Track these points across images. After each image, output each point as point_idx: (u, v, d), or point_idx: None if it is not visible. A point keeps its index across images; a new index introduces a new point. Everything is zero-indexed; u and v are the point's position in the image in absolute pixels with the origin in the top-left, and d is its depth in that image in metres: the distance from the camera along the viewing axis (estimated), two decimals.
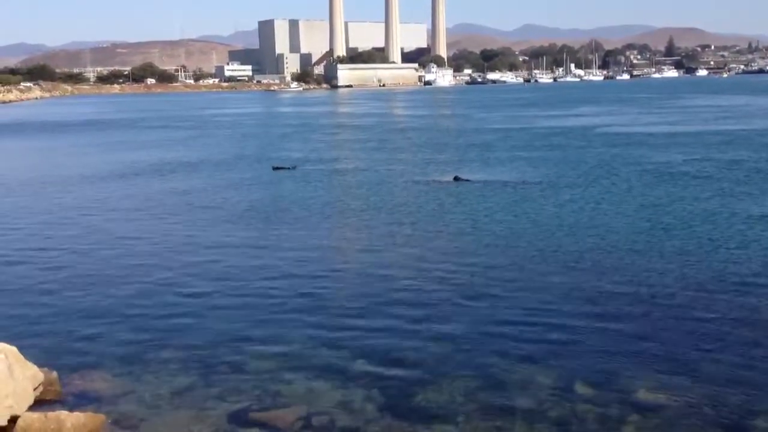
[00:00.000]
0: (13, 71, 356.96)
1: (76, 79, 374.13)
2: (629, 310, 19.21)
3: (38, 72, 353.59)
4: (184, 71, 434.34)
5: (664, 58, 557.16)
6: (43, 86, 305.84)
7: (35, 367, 14.27)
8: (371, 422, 13.66)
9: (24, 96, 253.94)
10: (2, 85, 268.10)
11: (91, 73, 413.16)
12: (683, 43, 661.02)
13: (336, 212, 34.70)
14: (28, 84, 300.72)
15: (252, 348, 17.25)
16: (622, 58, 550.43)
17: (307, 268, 24.26)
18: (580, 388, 14.73)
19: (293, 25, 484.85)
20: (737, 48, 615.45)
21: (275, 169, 51.59)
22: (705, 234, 27.59)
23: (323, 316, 19.42)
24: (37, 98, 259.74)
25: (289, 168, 51.80)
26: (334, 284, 22.57)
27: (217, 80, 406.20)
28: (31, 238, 30.25)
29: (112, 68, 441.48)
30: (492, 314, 19.21)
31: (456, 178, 43.35)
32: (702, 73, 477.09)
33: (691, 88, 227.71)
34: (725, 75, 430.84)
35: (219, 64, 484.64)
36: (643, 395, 14.35)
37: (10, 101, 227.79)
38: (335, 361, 16.41)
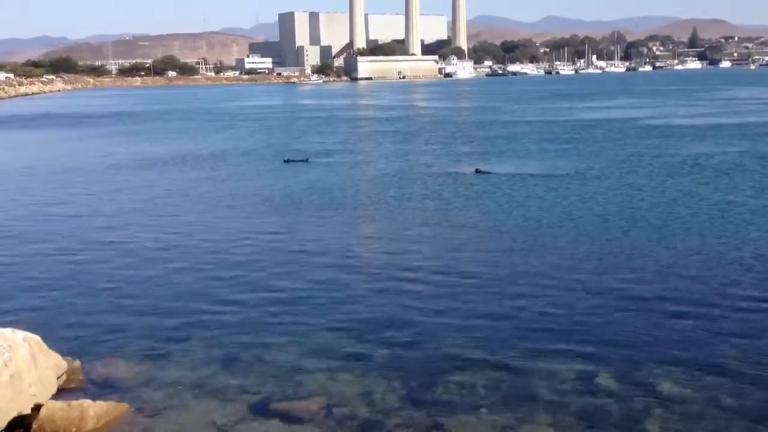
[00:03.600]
0: (36, 64, 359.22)
1: (98, 71, 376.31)
2: (655, 302, 19.02)
3: (61, 65, 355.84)
4: (205, 64, 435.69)
5: (687, 50, 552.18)
6: (66, 79, 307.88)
7: (58, 356, 14.34)
8: (392, 413, 13.62)
9: (47, 88, 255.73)
10: (25, 78, 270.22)
11: (113, 65, 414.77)
12: (707, 35, 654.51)
13: (354, 204, 34.63)
14: (51, 77, 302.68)
15: (273, 338, 17.26)
16: (645, 50, 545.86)
17: (328, 259, 24.25)
18: (604, 380, 14.61)
19: (314, 17, 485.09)
20: (762, 39, 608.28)
21: (287, 161, 51.15)
22: (738, 227, 27.22)
23: (344, 306, 19.41)
24: (59, 91, 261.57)
25: (301, 161, 51.26)
26: (355, 275, 22.53)
27: (237, 73, 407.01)
28: (53, 227, 30.46)
29: (133, 61, 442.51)
30: (514, 305, 19.10)
31: (477, 171, 43.13)
32: (725, 64, 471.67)
33: (722, 80, 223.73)
34: (753, 66, 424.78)
35: (240, 57, 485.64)
36: (667, 388, 14.21)
37: (33, 94, 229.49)
38: (357, 351, 16.39)
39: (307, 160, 51.37)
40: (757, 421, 12.93)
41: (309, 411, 13.67)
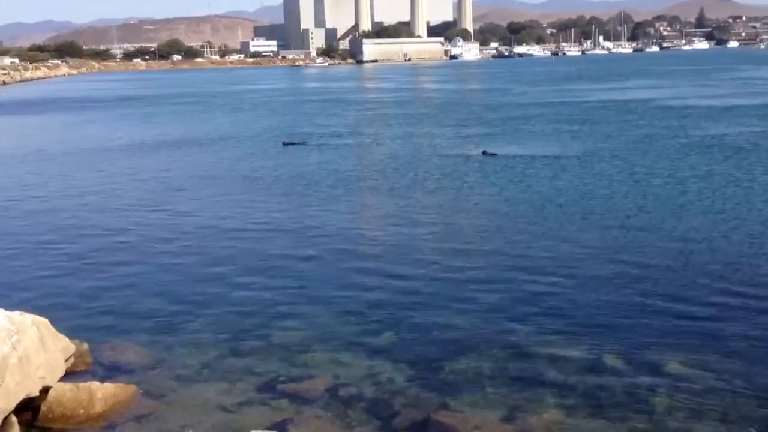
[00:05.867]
0: (41, 48, 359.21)
1: (103, 55, 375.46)
2: (661, 283, 18.99)
3: (66, 49, 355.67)
4: (210, 47, 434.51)
5: (694, 30, 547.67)
6: (71, 63, 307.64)
7: (66, 339, 14.40)
8: (399, 393, 13.67)
9: (52, 73, 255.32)
10: (31, 62, 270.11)
11: (117, 49, 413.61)
12: (714, 14, 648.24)
13: (358, 185, 34.62)
14: (56, 61, 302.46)
15: (280, 320, 17.31)
16: (652, 30, 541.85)
17: (333, 240, 24.26)
18: (610, 361, 14.61)
19: (318, 0, 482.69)
20: None
21: (285, 144, 51.29)
22: (755, 207, 26.99)
23: (350, 288, 19.44)
24: (65, 75, 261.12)
25: (299, 143, 51.40)
26: (361, 257, 22.53)
27: (242, 56, 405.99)
28: (60, 211, 30.53)
29: (138, 45, 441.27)
30: (521, 287, 19.09)
31: (484, 153, 43.06)
32: (733, 44, 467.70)
33: (733, 60, 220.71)
34: (762, 47, 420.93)
35: (244, 40, 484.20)
36: (673, 368, 14.19)
37: (39, 78, 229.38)
38: (363, 333, 16.43)
39: (304, 143, 51.60)
40: (765, 403, 12.92)
41: (316, 392, 13.71)
